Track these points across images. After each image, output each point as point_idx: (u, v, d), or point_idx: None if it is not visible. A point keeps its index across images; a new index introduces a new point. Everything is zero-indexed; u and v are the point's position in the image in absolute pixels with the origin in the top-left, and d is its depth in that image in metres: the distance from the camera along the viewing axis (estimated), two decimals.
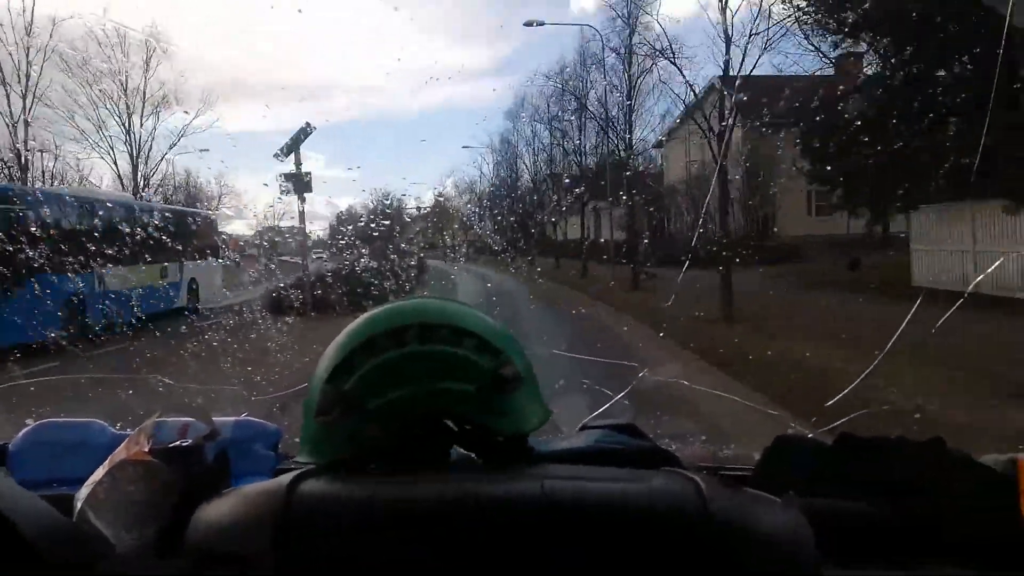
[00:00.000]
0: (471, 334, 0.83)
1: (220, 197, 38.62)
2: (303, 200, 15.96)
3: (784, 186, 21.73)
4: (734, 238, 18.32)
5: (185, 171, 34.88)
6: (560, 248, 35.54)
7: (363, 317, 0.87)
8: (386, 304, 0.88)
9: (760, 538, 0.70)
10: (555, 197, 36.00)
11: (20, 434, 1.18)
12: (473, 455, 0.88)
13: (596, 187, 28.51)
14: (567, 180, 31.46)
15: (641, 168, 30.97)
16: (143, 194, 27.84)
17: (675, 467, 0.87)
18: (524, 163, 39.41)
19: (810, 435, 1.24)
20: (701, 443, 1.39)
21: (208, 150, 32.64)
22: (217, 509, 0.74)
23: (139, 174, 29.17)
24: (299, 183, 15.77)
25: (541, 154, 37.11)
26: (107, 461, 0.86)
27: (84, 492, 0.80)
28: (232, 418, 1.20)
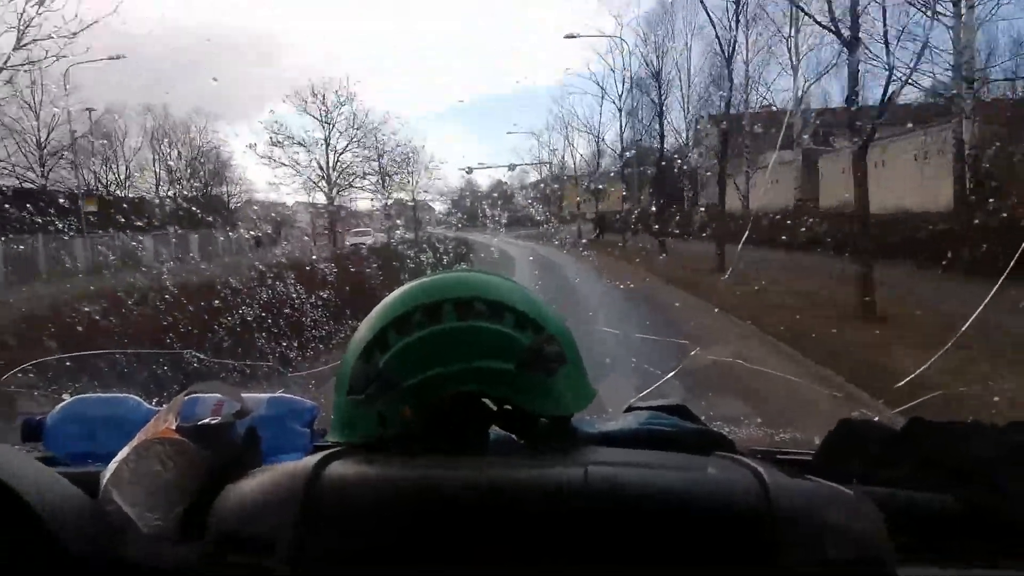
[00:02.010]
0: (511, 309, 0.78)
1: None
2: None
3: None
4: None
5: None
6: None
7: (398, 291, 0.82)
8: (422, 278, 0.83)
9: (830, 533, 0.62)
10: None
11: (56, 408, 1.17)
12: (513, 436, 0.84)
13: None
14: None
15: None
16: None
17: (729, 452, 0.81)
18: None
19: (876, 419, 1.17)
20: (757, 426, 1.31)
21: None
22: (242, 490, 0.70)
23: None
24: None
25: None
26: (136, 438, 0.83)
27: (110, 470, 0.77)
28: (266, 395, 1.18)
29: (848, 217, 12.06)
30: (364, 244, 27.28)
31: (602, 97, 31.90)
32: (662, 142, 28.09)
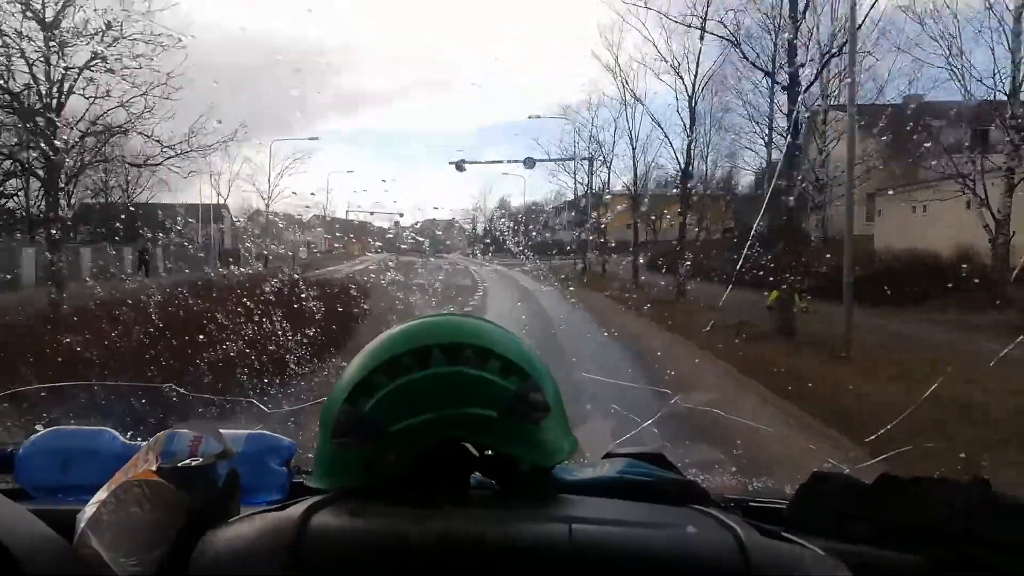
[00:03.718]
0: (497, 355, 0.79)
1: None
2: None
3: None
4: None
5: None
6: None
7: (384, 335, 0.83)
8: (408, 321, 0.84)
9: None
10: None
11: (29, 440, 1.15)
12: (493, 482, 0.84)
13: None
14: None
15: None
16: None
17: (706, 504, 0.82)
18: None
19: (847, 471, 1.19)
20: (731, 474, 1.33)
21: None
22: (225, 537, 0.70)
23: None
24: None
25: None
26: (114, 478, 0.82)
27: (88, 512, 0.76)
28: (245, 431, 1.17)
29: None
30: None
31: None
32: (770, 146, 18.95)
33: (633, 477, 0.92)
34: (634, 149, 24.10)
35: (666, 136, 28.22)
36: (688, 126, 20.67)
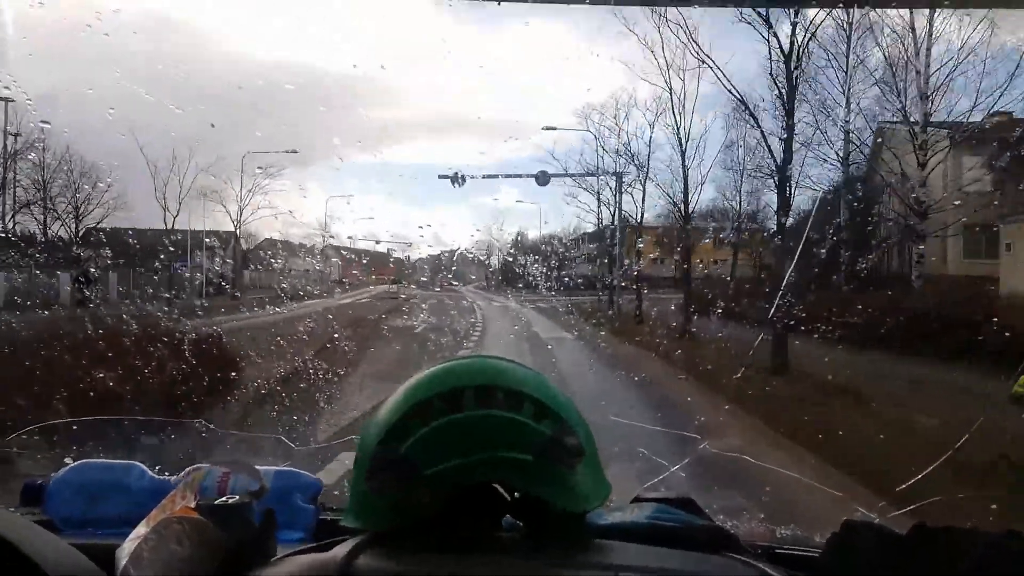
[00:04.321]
0: (529, 398, 0.79)
1: None
2: None
3: None
4: None
5: None
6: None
7: (418, 377, 0.84)
8: (442, 363, 0.85)
9: None
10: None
11: (59, 473, 1.16)
12: (521, 524, 0.84)
13: None
14: None
15: None
16: None
17: (735, 550, 0.82)
18: None
19: (876, 520, 1.18)
20: (759, 521, 1.32)
21: None
22: None
23: None
24: None
25: None
26: (152, 514, 0.84)
27: (128, 547, 0.77)
28: (273, 467, 1.18)
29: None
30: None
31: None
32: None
33: (664, 523, 0.92)
34: (683, 148, 17.14)
35: (758, 126, 16.09)
36: (784, 101, 13.34)
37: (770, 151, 14.88)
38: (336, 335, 11.05)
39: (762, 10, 12.16)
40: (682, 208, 18.32)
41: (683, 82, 16.62)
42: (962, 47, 14.82)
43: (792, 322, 9.89)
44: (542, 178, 20.75)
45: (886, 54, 15.62)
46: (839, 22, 14.84)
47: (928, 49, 15.25)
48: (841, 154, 16.67)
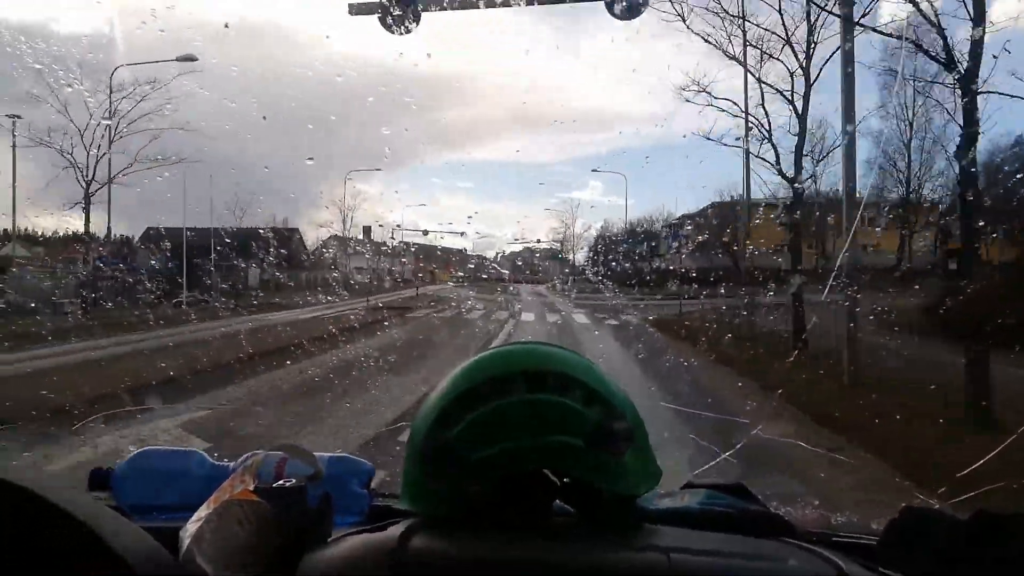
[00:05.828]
0: (580, 384, 0.79)
1: None
2: None
3: None
4: None
5: None
6: None
7: (469, 362, 0.85)
8: (492, 349, 0.86)
9: None
10: None
11: (125, 460, 1.21)
12: (571, 509, 0.85)
13: None
14: None
15: None
16: None
17: (791, 535, 0.81)
18: None
19: (938, 506, 1.14)
20: (813, 507, 1.30)
21: None
22: (327, 558, 0.72)
23: None
24: None
25: None
26: (212, 497, 0.86)
27: (191, 529, 0.80)
28: (327, 453, 1.20)
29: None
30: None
31: None
32: None
33: (717, 508, 0.91)
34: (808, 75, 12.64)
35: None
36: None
37: None
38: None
39: None
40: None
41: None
42: None
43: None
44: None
45: None
46: None
47: None
48: None
